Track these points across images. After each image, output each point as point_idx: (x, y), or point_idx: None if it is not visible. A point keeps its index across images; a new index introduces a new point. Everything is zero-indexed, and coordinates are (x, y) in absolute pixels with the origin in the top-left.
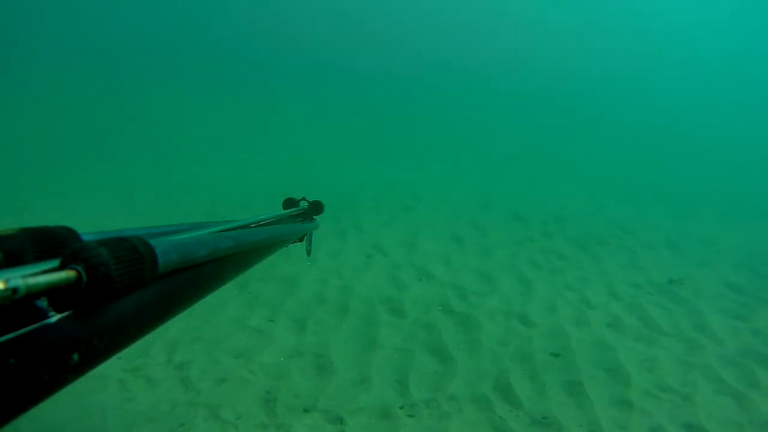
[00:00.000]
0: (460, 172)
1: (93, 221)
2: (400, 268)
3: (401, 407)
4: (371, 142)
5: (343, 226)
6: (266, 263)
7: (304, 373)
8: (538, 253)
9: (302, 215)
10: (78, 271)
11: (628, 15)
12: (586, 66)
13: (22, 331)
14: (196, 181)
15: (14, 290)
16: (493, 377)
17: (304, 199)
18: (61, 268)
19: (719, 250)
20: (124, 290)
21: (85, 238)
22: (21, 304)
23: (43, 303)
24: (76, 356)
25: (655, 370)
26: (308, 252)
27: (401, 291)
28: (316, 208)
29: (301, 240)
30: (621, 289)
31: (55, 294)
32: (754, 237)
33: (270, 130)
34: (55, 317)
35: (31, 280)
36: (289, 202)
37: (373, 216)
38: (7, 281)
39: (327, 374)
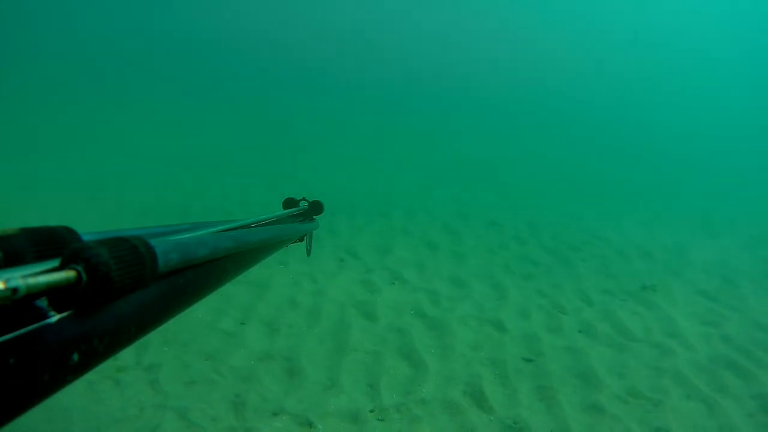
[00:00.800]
0: (435, 180)
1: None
2: (373, 272)
3: (371, 411)
4: (349, 147)
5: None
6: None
7: (274, 376)
8: (513, 259)
9: (302, 215)
10: (78, 271)
11: (607, 25)
12: (563, 77)
13: (22, 331)
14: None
15: (14, 290)
16: (464, 382)
17: (304, 199)
18: (61, 268)
19: (691, 258)
20: (124, 290)
21: (85, 238)
22: (21, 304)
23: (43, 303)
24: (76, 356)
25: (627, 376)
26: (308, 252)
27: (373, 295)
28: (316, 208)
29: (301, 240)
30: (594, 296)
31: (55, 294)
32: (725, 246)
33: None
34: (55, 317)
35: (31, 280)
36: (289, 202)
37: (347, 220)
38: (7, 281)
39: (297, 378)
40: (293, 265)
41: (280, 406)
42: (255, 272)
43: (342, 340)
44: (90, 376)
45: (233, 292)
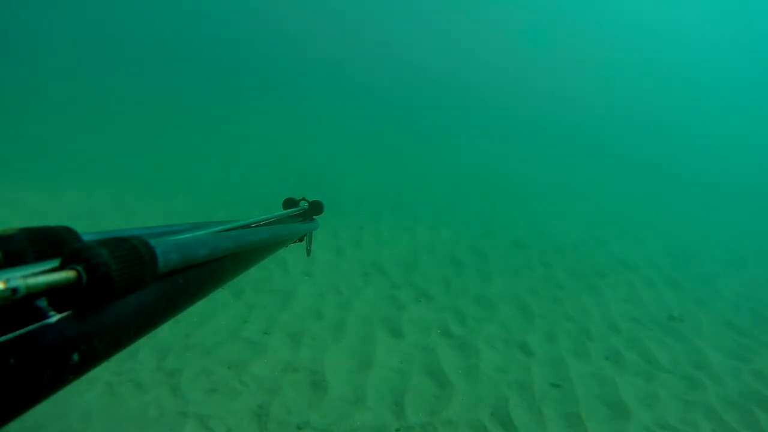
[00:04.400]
0: (460, 197)
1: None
2: (399, 288)
3: (397, 430)
4: (374, 157)
5: (340, 242)
6: (262, 275)
7: (298, 388)
8: (538, 282)
9: (302, 215)
10: (78, 271)
11: (631, 44)
12: (588, 96)
13: (22, 331)
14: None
15: (14, 290)
16: (491, 404)
17: (304, 199)
18: (61, 268)
19: (718, 289)
20: (124, 290)
21: (85, 238)
22: (21, 304)
23: (43, 303)
24: (76, 356)
25: (655, 407)
26: (308, 252)
27: (399, 311)
28: (316, 208)
29: (301, 240)
30: (620, 323)
31: (55, 294)
32: (754, 279)
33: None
34: (55, 317)
35: (31, 280)
36: (289, 203)
37: (373, 234)
38: (7, 281)
39: (321, 391)
40: (317, 277)
41: (305, 419)
42: (278, 281)
43: (367, 355)
44: (110, 377)
45: (256, 300)
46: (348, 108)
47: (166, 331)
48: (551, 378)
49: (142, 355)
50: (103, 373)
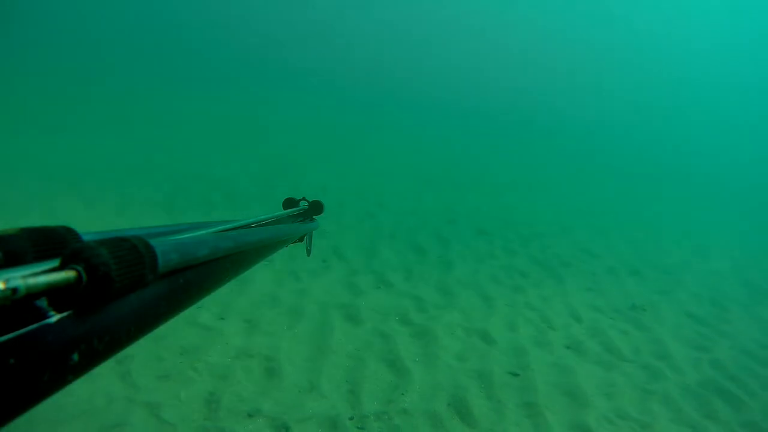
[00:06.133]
0: (427, 184)
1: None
2: (358, 274)
3: (351, 418)
4: (338, 147)
5: None
6: None
7: (251, 375)
8: (501, 270)
9: (302, 215)
10: (78, 271)
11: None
12: (562, 88)
13: (22, 331)
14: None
15: (14, 290)
16: (449, 393)
17: (303, 199)
18: (61, 268)
19: (681, 279)
20: (124, 290)
21: (85, 238)
22: (21, 304)
23: (43, 303)
24: (76, 356)
25: (615, 396)
26: (308, 252)
27: (358, 297)
28: (316, 208)
29: (301, 240)
30: (583, 312)
31: (55, 294)
32: (715, 269)
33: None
34: (55, 317)
35: (31, 280)
36: (289, 202)
37: (335, 220)
38: (7, 281)
39: (275, 378)
40: (276, 263)
41: (257, 407)
42: None
43: (323, 341)
44: None
45: None
46: (311, 104)
47: None
48: (511, 367)
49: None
50: None
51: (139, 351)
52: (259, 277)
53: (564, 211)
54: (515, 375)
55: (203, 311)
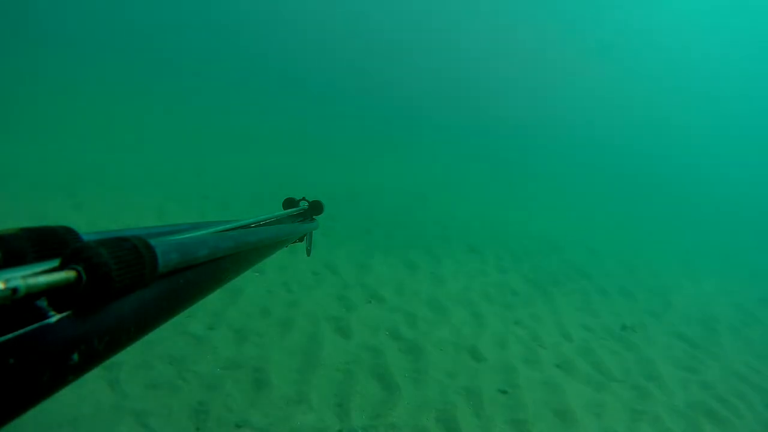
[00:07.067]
0: (422, 200)
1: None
2: (350, 288)
3: (338, 431)
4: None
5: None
6: None
7: (240, 386)
8: (492, 287)
9: (302, 215)
10: (78, 271)
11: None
12: (556, 105)
13: (22, 331)
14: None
15: (14, 290)
16: (437, 409)
17: (304, 199)
18: (61, 268)
19: (671, 301)
20: (124, 290)
21: (85, 238)
22: (21, 304)
23: (43, 303)
24: (76, 356)
25: (603, 416)
26: (308, 252)
27: (349, 311)
28: (316, 208)
29: (301, 240)
30: (573, 331)
31: (55, 294)
32: (705, 292)
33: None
34: (55, 317)
35: (31, 280)
36: (289, 202)
37: (325, 234)
38: (7, 281)
39: (264, 389)
40: (268, 274)
41: (244, 418)
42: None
43: (313, 354)
44: None
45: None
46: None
47: None
48: (500, 384)
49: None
50: None
51: (129, 358)
52: (250, 288)
53: (555, 229)
54: (504, 392)
55: (193, 320)
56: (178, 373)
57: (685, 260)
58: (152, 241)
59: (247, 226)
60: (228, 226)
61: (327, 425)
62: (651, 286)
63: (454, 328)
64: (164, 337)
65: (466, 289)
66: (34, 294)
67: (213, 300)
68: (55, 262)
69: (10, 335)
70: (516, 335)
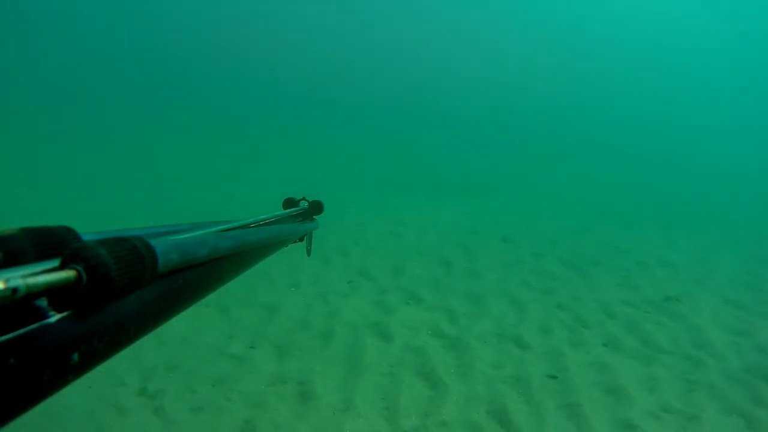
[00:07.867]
0: (444, 198)
1: None
2: (387, 292)
3: None
4: (353, 167)
5: (326, 251)
6: (246, 289)
7: (286, 400)
8: (530, 274)
9: (302, 215)
10: (78, 271)
11: (617, 32)
12: (574, 86)
13: (22, 331)
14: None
15: (14, 290)
16: (486, 402)
17: (304, 199)
18: (61, 268)
19: (714, 266)
20: (124, 290)
21: (85, 237)
22: (21, 304)
23: (43, 303)
24: (75, 356)
25: (657, 390)
26: (308, 252)
27: (388, 315)
28: (316, 208)
29: (301, 240)
30: (616, 308)
31: (55, 294)
32: (748, 253)
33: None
34: (55, 317)
35: (31, 280)
36: (289, 202)
37: (358, 241)
38: (7, 281)
39: (311, 401)
40: (304, 287)
41: (292, 431)
42: (264, 295)
43: (356, 361)
44: (91, 404)
45: (242, 315)
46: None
47: (149, 354)
48: (548, 369)
49: (126, 377)
50: (85, 399)
51: (170, 385)
52: (287, 302)
53: (585, 211)
54: (553, 377)
55: (234, 341)
56: (223, 393)
57: (722, 223)
58: (152, 241)
59: (247, 226)
60: (228, 226)
61: (377, 430)
62: (691, 253)
63: (495, 318)
64: (205, 361)
65: (502, 279)
66: (34, 294)
67: (251, 319)
68: (55, 262)
69: (10, 335)
70: (559, 319)
